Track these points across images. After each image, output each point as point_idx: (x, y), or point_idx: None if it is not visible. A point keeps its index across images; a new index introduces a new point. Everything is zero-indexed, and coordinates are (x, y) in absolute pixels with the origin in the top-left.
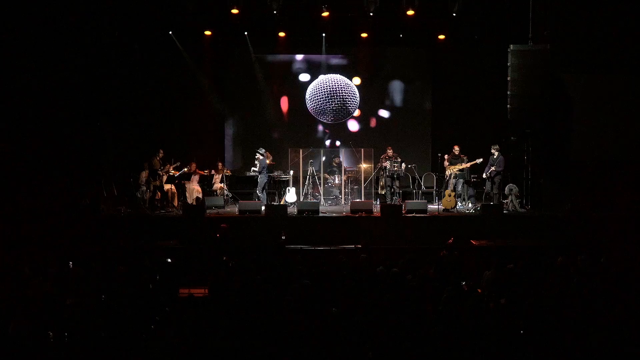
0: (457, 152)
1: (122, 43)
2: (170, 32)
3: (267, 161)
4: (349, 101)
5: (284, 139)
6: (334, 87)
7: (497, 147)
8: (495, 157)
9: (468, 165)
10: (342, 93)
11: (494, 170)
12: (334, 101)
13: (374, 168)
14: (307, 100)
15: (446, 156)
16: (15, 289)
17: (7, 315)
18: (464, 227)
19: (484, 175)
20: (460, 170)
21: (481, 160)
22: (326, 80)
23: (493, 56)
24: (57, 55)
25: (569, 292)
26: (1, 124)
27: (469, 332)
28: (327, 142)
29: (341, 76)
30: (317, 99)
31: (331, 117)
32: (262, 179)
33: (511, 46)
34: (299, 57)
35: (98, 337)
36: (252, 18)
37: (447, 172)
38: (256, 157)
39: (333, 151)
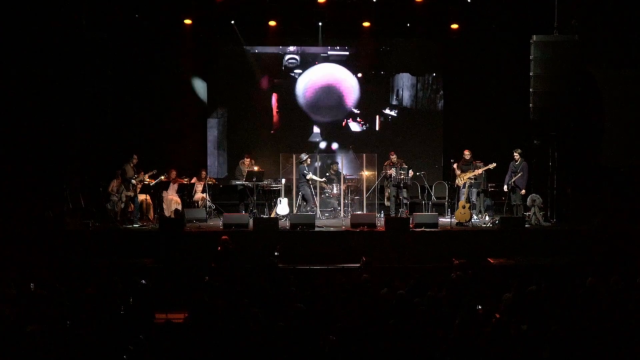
0: (467, 158)
1: (89, 32)
2: (147, 21)
3: (255, 168)
4: (345, 98)
5: (275, 142)
6: (330, 80)
7: (520, 151)
8: (517, 162)
9: (480, 171)
10: (339, 88)
11: (516, 181)
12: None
13: (378, 176)
14: (300, 96)
15: (456, 163)
16: None
17: None
18: (480, 244)
19: (505, 188)
20: (472, 178)
21: (494, 165)
22: (322, 71)
23: (513, 48)
24: (12, 46)
25: (600, 317)
26: None
27: None
28: (322, 145)
29: (338, 66)
30: (312, 93)
31: (327, 115)
32: (306, 190)
33: (534, 37)
34: (292, 49)
35: None
36: (239, 5)
37: (458, 181)
38: (307, 162)
39: (331, 157)
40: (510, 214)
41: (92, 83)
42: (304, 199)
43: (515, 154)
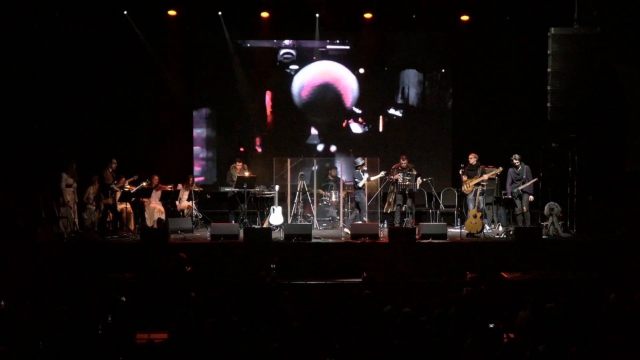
0: (473, 162)
1: (64, 25)
2: (126, 12)
3: (247, 174)
4: (344, 96)
5: (268, 145)
6: (328, 77)
7: (519, 156)
8: (519, 169)
9: (485, 177)
10: (336, 86)
11: (525, 188)
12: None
13: (380, 182)
14: (295, 94)
15: (461, 169)
16: None
17: None
18: (492, 256)
19: (510, 195)
20: (478, 184)
21: (501, 169)
22: (318, 68)
23: (529, 42)
24: None
25: (624, 337)
26: None
27: None
28: (320, 147)
29: (336, 63)
30: (309, 91)
31: (325, 115)
32: (362, 197)
33: (552, 29)
34: (287, 42)
35: None
36: None
37: (464, 188)
38: (363, 167)
39: (329, 161)
40: (515, 224)
41: (66, 80)
42: (357, 206)
43: (514, 160)
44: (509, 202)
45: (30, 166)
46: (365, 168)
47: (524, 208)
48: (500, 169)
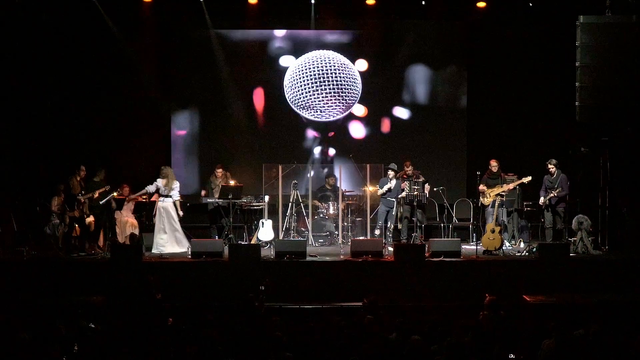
0: (495, 169)
1: (24, 11)
2: None
3: (232, 182)
4: (346, 89)
5: (257, 149)
6: (324, 68)
7: (555, 162)
8: (554, 176)
9: (510, 186)
10: (336, 77)
11: (555, 196)
12: (325, 89)
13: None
14: (285, 88)
15: (480, 178)
16: None
17: None
18: (513, 277)
19: (541, 202)
20: (500, 194)
21: (530, 178)
22: (313, 58)
23: (555, 33)
24: None
25: None
26: None
27: None
28: (317, 150)
29: (335, 53)
30: (300, 86)
31: (320, 112)
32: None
33: (581, 18)
34: (279, 33)
35: None
36: None
37: (483, 199)
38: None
39: (326, 167)
40: (543, 239)
41: (26, 76)
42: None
43: (550, 165)
44: (531, 215)
45: None
46: (390, 176)
47: (558, 223)
48: (529, 178)
